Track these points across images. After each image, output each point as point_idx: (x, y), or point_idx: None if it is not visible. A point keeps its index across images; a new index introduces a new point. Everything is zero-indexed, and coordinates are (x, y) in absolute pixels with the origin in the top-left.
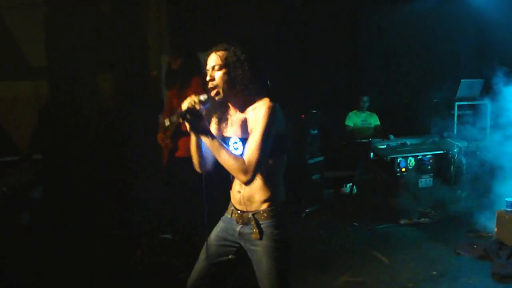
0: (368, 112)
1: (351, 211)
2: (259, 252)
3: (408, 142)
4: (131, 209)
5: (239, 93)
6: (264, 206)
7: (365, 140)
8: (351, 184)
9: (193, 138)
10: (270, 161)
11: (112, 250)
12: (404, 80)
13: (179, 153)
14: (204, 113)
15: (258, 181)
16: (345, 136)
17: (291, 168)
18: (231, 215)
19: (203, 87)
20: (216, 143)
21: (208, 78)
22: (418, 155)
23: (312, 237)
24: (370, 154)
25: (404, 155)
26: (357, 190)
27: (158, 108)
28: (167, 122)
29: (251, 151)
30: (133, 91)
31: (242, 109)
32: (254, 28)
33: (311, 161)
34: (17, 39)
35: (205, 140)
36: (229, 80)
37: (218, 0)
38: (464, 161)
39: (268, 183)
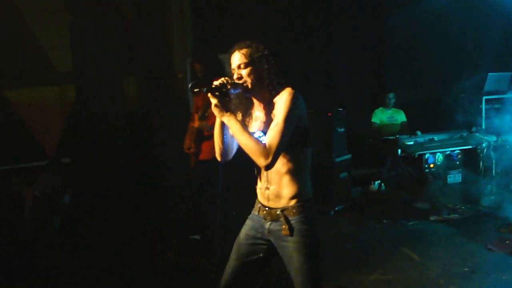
0: (394, 109)
1: (379, 208)
2: (290, 248)
3: (436, 138)
4: (160, 211)
5: (266, 88)
6: (293, 202)
7: (392, 137)
8: (379, 181)
9: (217, 121)
10: (296, 154)
11: (143, 252)
12: (430, 75)
13: (202, 156)
14: (232, 97)
15: (285, 177)
16: (372, 134)
17: (319, 167)
18: (259, 212)
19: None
20: (239, 125)
21: (235, 76)
22: (446, 151)
23: (341, 235)
24: (397, 151)
25: (432, 151)
26: (385, 187)
27: (184, 110)
28: (194, 88)
29: (272, 134)
30: (159, 94)
31: (267, 104)
32: (278, 28)
33: (338, 159)
34: (42, 45)
35: (228, 121)
36: (256, 76)
37: (241, 2)
38: (493, 155)
39: (295, 178)
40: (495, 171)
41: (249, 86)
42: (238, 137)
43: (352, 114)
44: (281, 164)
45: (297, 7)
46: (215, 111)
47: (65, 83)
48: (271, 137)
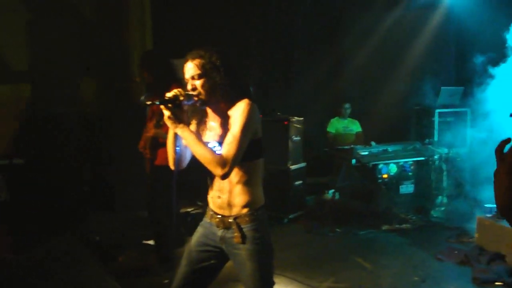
0: (349, 119)
1: (333, 217)
2: (242, 255)
3: (390, 149)
4: (113, 215)
5: (220, 99)
6: (245, 210)
7: (347, 147)
8: (333, 190)
9: (170, 132)
10: (249, 165)
11: (94, 257)
12: (386, 87)
13: (158, 162)
14: (186, 108)
15: (237, 186)
16: (327, 143)
17: (274, 174)
18: (211, 219)
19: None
20: (193, 136)
21: (189, 87)
22: (400, 162)
23: (295, 243)
24: (352, 161)
25: (386, 161)
26: (339, 196)
27: (141, 114)
28: (146, 101)
29: (229, 144)
30: (116, 96)
31: (222, 114)
32: (236, 34)
33: (293, 167)
34: None
35: (182, 132)
36: (210, 87)
37: (202, 4)
38: (444, 167)
39: (247, 187)
40: (446, 183)
41: (203, 97)
42: (193, 148)
43: (308, 123)
44: (233, 174)
45: (255, 13)
46: (168, 122)
47: (20, 82)
48: (228, 147)
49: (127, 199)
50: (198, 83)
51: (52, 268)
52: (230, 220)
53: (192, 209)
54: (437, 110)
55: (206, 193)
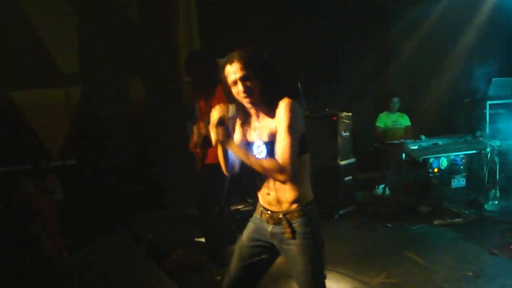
0: (398, 113)
1: (384, 212)
2: (293, 250)
3: (440, 142)
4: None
5: (265, 98)
6: (294, 206)
7: (396, 141)
8: (383, 185)
9: (219, 146)
10: (298, 162)
11: (147, 254)
12: (434, 79)
13: (208, 160)
14: (230, 122)
15: (286, 183)
16: (376, 138)
17: (324, 170)
18: (261, 215)
19: (227, 95)
20: (240, 150)
21: (235, 90)
22: (451, 155)
23: (346, 239)
24: (402, 155)
25: (436, 155)
26: (389, 192)
27: (190, 114)
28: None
29: (282, 149)
30: (164, 96)
31: (266, 113)
32: (283, 31)
33: (343, 163)
34: (49, 47)
35: (232, 149)
36: (252, 89)
37: (249, 5)
38: (497, 160)
39: (295, 184)
40: (499, 176)
41: (248, 101)
42: (247, 161)
43: (357, 118)
44: None
45: (304, 10)
46: (218, 143)
47: (71, 85)
48: (282, 152)
49: (178, 197)
50: (244, 85)
51: (107, 266)
52: (280, 216)
53: (242, 206)
54: (488, 102)
55: (255, 191)
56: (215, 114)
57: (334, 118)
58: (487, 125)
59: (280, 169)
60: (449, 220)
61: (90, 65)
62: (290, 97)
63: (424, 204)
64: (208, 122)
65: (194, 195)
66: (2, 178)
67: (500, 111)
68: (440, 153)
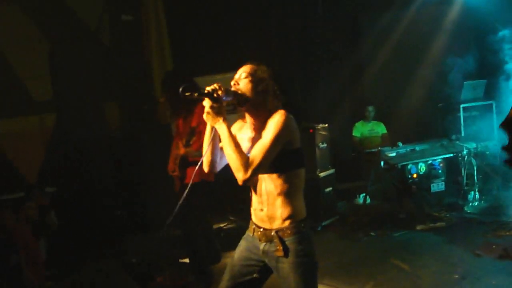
0: (374, 121)
1: (366, 221)
2: (286, 268)
3: (417, 148)
4: (147, 236)
5: (260, 105)
6: (287, 223)
7: (374, 150)
8: (364, 194)
9: (208, 128)
10: (289, 175)
11: (132, 278)
12: (408, 86)
13: (187, 180)
14: (224, 104)
15: (279, 199)
16: (354, 147)
17: (304, 183)
18: (253, 233)
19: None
20: (228, 134)
21: (232, 82)
22: (428, 160)
23: (331, 250)
24: (380, 163)
25: (414, 161)
26: (370, 200)
27: (167, 134)
28: (185, 92)
29: (257, 150)
30: (140, 118)
31: (259, 121)
32: (254, 45)
33: (322, 174)
34: (20, 74)
35: (219, 127)
36: (252, 89)
37: (219, 24)
38: (474, 162)
39: (289, 200)
40: (477, 178)
41: (243, 96)
42: (225, 145)
43: (334, 129)
44: (275, 186)
45: (276, 22)
46: (207, 117)
47: (45, 112)
48: (255, 152)
49: (160, 218)
50: (243, 82)
51: None
52: (272, 233)
53: (224, 224)
54: (462, 105)
55: (237, 208)
56: (210, 86)
57: (311, 131)
58: (462, 128)
59: (245, 166)
60: (431, 225)
61: (64, 90)
62: (287, 111)
63: (405, 210)
64: (188, 142)
65: (177, 216)
66: None
67: (474, 113)
68: (418, 159)
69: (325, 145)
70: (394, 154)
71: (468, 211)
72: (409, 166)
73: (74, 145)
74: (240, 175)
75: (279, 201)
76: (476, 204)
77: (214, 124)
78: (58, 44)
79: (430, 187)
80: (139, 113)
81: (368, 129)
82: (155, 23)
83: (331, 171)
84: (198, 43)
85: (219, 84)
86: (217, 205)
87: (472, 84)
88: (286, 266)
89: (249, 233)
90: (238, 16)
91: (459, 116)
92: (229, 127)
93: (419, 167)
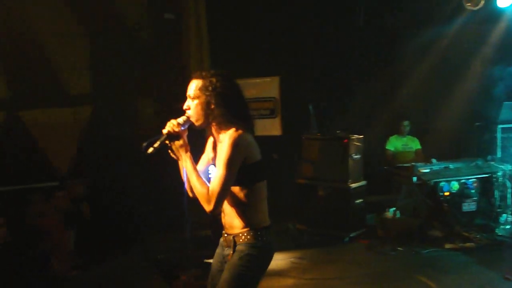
0: (409, 136)
1: (395, 235)
2: (227, 265)
3: (451, 166)
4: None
5: (212, 123)
6: (244, 230)
7: (407, 165)
8: (394, 208)
9: (180, 162)
10: (246, 190)
11: (158, 274)
12: (446, 103)
13: None
14: (185, 133)
15: (235, 209)
16: (387, 161)
17: (334, 193)
18: (222, 239)
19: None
20: (190, 166)
21: (185, 106)
22: (462, 179)
23: (357, 262)
24: (413, 178)
25: (447, 179)
26: (400, 214)
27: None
28: (146, 150)
29: (213, 183)
30: (174, 117)
31: (217, 137)
32: (292, 53)
33: (354, 185)
34: (59, 67)
35: (183, 162)
36: (201, 110)
37: (258, 26)
38: (508, 184)
39: (245, 210)
40: (510, 200)
41: (194, 120)
42: (190, 178)
43: (367, 141)
44: (231, 198)
45: (316, 34)
46: (172, 155)
47: (80, 105)
48: (213, 185)
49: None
50: (192, 104)
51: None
52: (230, 238)
53: None
54: (500, 126)
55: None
56: (166, 128)
57: (346, 141)
58: (499, 149)
59: (207, 200)
60: (461, 244)
61: (101, 85)
62: (237, 127)
63: (435, 227)
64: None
65: (207, 216)
66: (13, 196)
67: (511, 135)
68: (451, 177)
69: (358, 156)
70: (427, 171)
71: (499, 234)
72: (441, 184)
73: (106, 139)
74: (205, 207)
75: (235, 211)
76: (508, 227)
77: (179, 161)
78: (97, 39)
79: (461, 206)
80: (173, 112)
81: (402, 143)
82: (196, 23)
83: (363, 182)
84: (237, 45)
85: (171, 120)
86: None
87: (511, 105)
88: (228, 263)
89: (221, 239)
90: (279, 22)
91: (496, 137)
92: (191, 160)
93: (451, 185)
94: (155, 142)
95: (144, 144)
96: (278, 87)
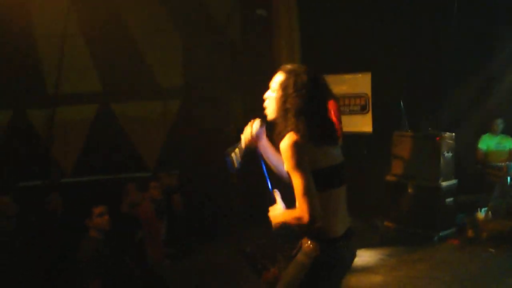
0: (502, 135)
1: (486, 237)
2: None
3: None
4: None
5: (285, 120)
6: (308, 238)
7: (501, 164)
8: (486, 208)
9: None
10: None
11: (248, 266)
12: None
13: None
14: (263, 135)
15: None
16: (479, 160)
17: (425, 191)
18: None
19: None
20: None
21: (265, 95)
22: None
23: (447, 262)
24: (507, 179)
25: None
26: (492, 215)
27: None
28: (235, 164)
29: (298, 198)
30: (260, 115)
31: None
32: (384, 51)
33: (445, 184)
34: (148, 61)
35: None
36: (276, 105)
37: (349, 23)
38: None
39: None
40: None
41: (268, 112)
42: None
43: (459, 139)
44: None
45: (407, 30)
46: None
47: (170, 99)
48: (298, 201)
49: None
50: (271, 96)
51: (208, 276)
52: (300, 241)
53: None
54: None
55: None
56: (244, 134)
57: (437, 138)
58: None
59: (304, 218)
60: None
61: (190, 80)
62: (296, 132)
63: None
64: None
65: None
66: (111, 186)
67: None
68: None
69: (450, 154)
70: None
71: None
72: None
73: (196, 133)
74: (304, 222)
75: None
76: None
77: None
78: (187, 36)
79: None
80: (262, 109)
81: (495, 142)
82: (287, 19)
83: (454, 181)
84: (328, 41)
85: (245, 130)
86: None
87: None
88: (291, 263)
89: None
90: (371, 18)
91: None
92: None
93: None
94: (232, 149)
95: (226, 157)
96: (369, 83)
